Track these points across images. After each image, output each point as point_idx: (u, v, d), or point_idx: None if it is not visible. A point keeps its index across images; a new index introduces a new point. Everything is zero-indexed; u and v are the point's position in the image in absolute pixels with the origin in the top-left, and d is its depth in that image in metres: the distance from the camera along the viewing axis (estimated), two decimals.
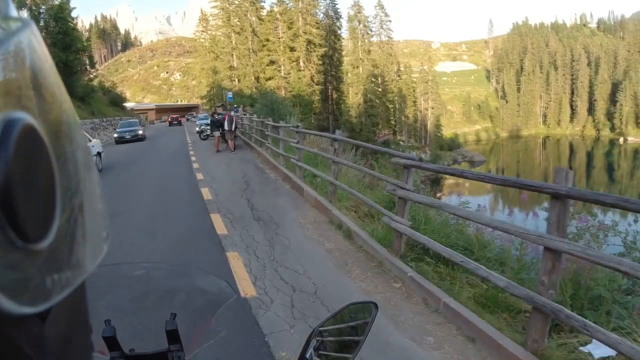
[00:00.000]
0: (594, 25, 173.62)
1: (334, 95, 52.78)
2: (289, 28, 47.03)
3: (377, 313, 0.98)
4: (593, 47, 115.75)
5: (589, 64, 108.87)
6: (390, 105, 61.53)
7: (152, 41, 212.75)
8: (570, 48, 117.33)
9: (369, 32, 55.17)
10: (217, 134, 16.53)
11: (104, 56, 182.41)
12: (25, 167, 0.24)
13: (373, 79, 53.31)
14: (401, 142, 67.25)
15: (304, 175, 9.66)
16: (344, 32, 56.32)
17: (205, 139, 21.96)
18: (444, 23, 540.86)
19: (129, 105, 75.09)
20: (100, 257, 0.32)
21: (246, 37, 49.60)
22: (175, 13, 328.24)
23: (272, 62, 48.04)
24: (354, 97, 54.73)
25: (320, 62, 50.07)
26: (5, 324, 0.23)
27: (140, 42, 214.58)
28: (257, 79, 48.32)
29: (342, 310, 0.97)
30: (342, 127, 41.91)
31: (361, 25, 54.77)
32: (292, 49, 47.16)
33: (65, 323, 0.31)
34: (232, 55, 50.41)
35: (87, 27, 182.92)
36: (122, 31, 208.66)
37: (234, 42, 50.21)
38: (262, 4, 51.46)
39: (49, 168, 0.26)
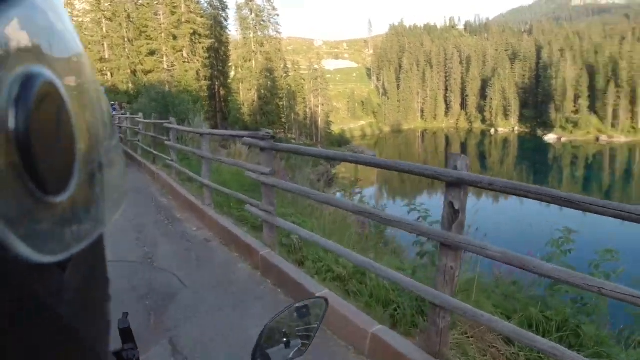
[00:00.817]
0: (461, 27, 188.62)
1: (222, 92, 48.72)
2: (172, 13, 41.93)
3: (327, 308, 1.02)
4: (464, 47, 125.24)
5: (461, 63, 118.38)
6: (280, 103, 58.98)
7: None
8: (443, 48, 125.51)
9: (262, 22, 51.12)
10: None
11: None
12: (45, 121, 0.25)
13: (267, 74, 49.56)
14: (292, 140, 65.26)
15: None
16: (231, 25, 52.58)
17: None
18: (325, 21, 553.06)
19: None
20: (117, 212, 0.33)
21: (120, 24, 43.42)
22: None
23: (152, 53, 42.65)
24: (246, 94, 50.65)
25: (207, 56, 45.74)
26: (25, 272, 0.24)
27: None
28: (134, 72, 42.60)
29: (292, 306, 1.00)
30: (235, 127, 38.61)
31: (253, 15, 50.46)
32: (175, 38, 42.19)
33: (84, 274, 0.32)
34: (103, 44, 44.03)
35: None
36: None
37: (104, 30, 43.79)
38: None
39: (69, 123, 0.27)
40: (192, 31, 43.10)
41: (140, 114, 13.81)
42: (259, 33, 50.77)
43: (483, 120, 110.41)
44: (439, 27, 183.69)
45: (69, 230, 0.27)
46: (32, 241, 0.23)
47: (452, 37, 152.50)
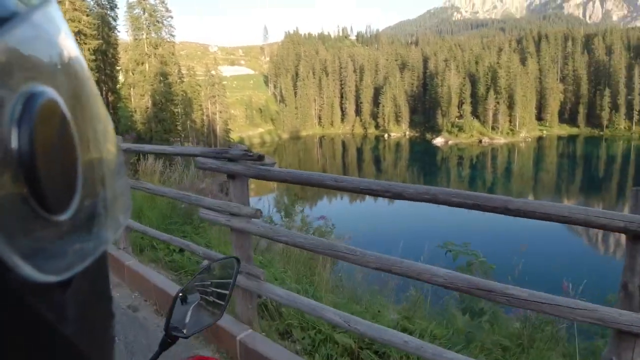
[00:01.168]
0: (354, 37, 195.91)
1: (110, 98, 44.84)
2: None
3: (239, 266, 1.02)
4: (357, 56, 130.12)
5: (354, 71, 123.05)
6: (176, 110, 55.94)
7: None
8: (338, 57, 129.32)
9: (156, 23, 47.56)
10: None
11: None
12: (48, 139, 0.25)
13: (162, 78, 46.11)
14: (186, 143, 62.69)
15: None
16: (120, 26, 48.58)
17: None
18: (220, 27, 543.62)
19: None
20: (120, 229, 0.33)
21: None
22: None
23: None
24: (139, 100, 46.82)
25: (93, 58, 41.85)
26: (28, 291, 0.24)
27: None
28: None
29: (204, 270, 1.01)
30: (125, 136, 35.53)
31: (146, 15, 46.81)
32: None
33: (87, 292, 0.32)
34: None
35: None
36: None
37: None
38: None
39: (71, 141, 0.27)
40: (76, 30, 39.18)
41: None
42: (153, 34, 47.32)
43: (377, 126, 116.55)
44: (332, 36, 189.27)
45: (72, 248, 0.27)
46: (35, 260, 0.23)
47: (345, 47, 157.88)
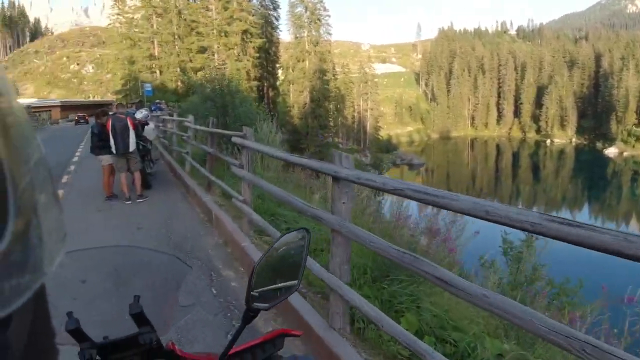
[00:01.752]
0: (513, 32, 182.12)
1: (270, 94, 46.65)
2: (225, 8, 40.07)
3: (309, 238, 1.03)
4: (519, 53, 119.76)
5: (515, 69, 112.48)
6: (329, 106, 56.52)
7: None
8: (496, 53, 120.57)
9: (317, 21, 48.44)
10: (106, 160, 8.07)
11: (9, 47, 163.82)
12: None
13: (320, 75, 46.79)
14: (340, 145, 62.97)
15: None
16: (281, 25, 50.51)
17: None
18: (373, 25, 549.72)
19: (25, 101, 64.63)
20: (58, 258, 0.31)
21: (170, 20, 41.91)
22: (94, 4, 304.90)
23: (203, 50, 40.95)
24: (297, 96, 47.93)
25: (257, 56, 43.74)
26: None
27: (52, 33, 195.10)
28: (184, 70, 40.99)
29: (275, 243, 1.03)
30: (282, 130, 36.21)
31: (308, 13, 47.98)
32: (227, 35, 40.25)
33: (28, 328, 0.30)
34: (153, 41, 42.65)
35: None
36: (32, 20, 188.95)
37: (155, 26, 42.42)
38: None
39: (1, 175, 0.25)
40: (243, 29, 41.17)
41: (190, 117, 10.60)
42: (313, 32, 48.13)
43: (538, 130, 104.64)
44: (490, 31, 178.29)
45: (8, 284, 0.25)
46: None
47: (504, 42, 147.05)
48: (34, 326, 0.31)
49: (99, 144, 7.94)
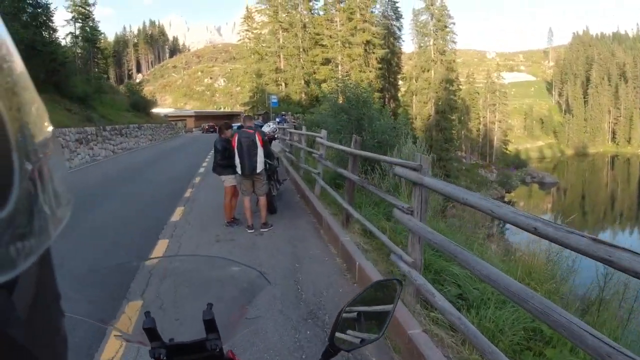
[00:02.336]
0: None
1: (392, 105, 45.31)
2: (349, 19, 39.86)
3: (401, 289, 1.04)
4: None
5: None
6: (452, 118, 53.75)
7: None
8: None
9: (444, 28, 46.06)
10: (229, 180, 7.22)
11: (151, 62, 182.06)
12: None
13: (447, 85, 44.36)
14: (463, 159, 59.49)
15: None
16: (404, 35, 49.06)
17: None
18: (499, 32, 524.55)
19: (164, 111, 70.48)
20: (63, 222, 0.31)
21: (295, 34, 42.70)
22: (226, 24, 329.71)
23: (326, 62, 41.11)
24: (421, 107, 46.13)
25: (380, 66, 42.88)
26: None
27: (189, 50, 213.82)
28: (307, 82, 41.42)
29: (368, 289, 1.04)
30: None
31: (434, 20, 45.90)
32: (351, 45, 39.92)
33: (33, 291, 0.30)
34: (279, 55, 43.79)
35: (136, 32, 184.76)
36: (171, 38, 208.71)
37: (281, 41, 43.54)
38: None
39: (4, 134, 0.25)
40: (366, 40, 40.59)
41: (323, 132, 9.07)
42: (440, 40, 45.88)
43: None
44: (630, 35, 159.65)
45: (13, 247, 0.25)
46: None
47: None
48: (39, 289, 0.31)
49: (222, 162, 7.05)
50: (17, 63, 0.28)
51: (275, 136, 9.67)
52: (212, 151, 7.56)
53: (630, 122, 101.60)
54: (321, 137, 8.94)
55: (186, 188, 10.77)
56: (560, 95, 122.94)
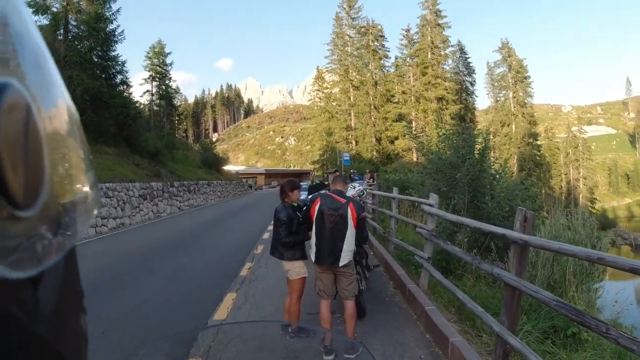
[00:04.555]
0: None
1: (474, 162, 43.06)
2: (423, 74, 39.02)
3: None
4: None
5: None
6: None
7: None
8: None
9: (523, 80, 44.13)
10: (296, 269, 4.60)
11: (227, 122, 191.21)
12: (12, 132, 0.24)
13: (531, 140, 41.76)
14: (546, 219, 55.20)
15: None
16: (478, 90, 47.58)
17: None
18: (573, 84, 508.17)
19: (235, 168, 72.08)
20: (90, 222, 0.32)
21: (366, 92, 42.28)
22: (297, 87, 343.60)
23: (399, 118, 40.16)
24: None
25: (453, 123, 41.36)
26: None
27: (262, 111, 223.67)
28: (379, 140, 40.44)
29: None
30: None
31: (512, 72, 44.14)
32: (426, 100, 38.87)
33: (58, 287, 0.31)
34: (350, 113, 43.45)
35: (214, 95, 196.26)
36: (246, 100, 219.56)
37: (352, 99, 43.31)
38: (387, 51, 43.92)
39: (37, 135, 0.26)
40: (440, 96, 39.47)
41: (433, 198, 6.45)
42: (520, 93, 43.80)
43: None
44: None
45: (41, 244, 0.26)
46: (4, 257, 0.23)
47: None
48: (63, 286, 0.32)
49: (287, 241, 4.58)
50: (49, 60, 0.30)
51: (364, 201, 7.38)
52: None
53: None
54: (431, 204, 6.43)
55: (244, 261, 8.88)
56: None
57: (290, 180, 5.00)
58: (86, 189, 0.32)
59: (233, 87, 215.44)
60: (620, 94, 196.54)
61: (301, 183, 6.47)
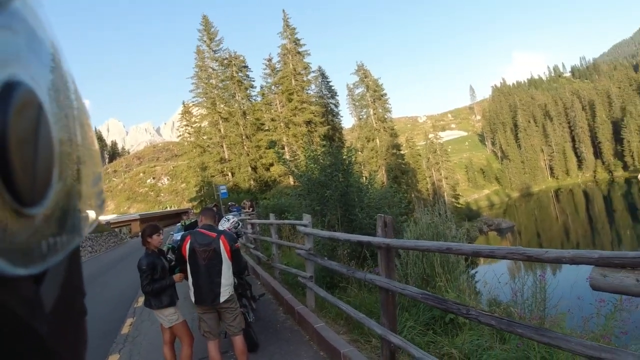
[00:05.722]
0: (568, 74, 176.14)
1: (340, 179, 45.06)
2: (289, 100, 40.19)
3: None
4: (583, 92, 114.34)
5: (583, 108, 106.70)
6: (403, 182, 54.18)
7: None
8: (559, 97, 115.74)
9: (381, 97, 47.72)
10: (167, 316, 4.57)
11: None
12: (23, 131, 0.24)
13: (395, 151, 45.14)
14: (420, 221, 59.51)
15: None
16: (342, 111, 50.42)
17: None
18: (426, 97, 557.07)
19: (106, 218, 67.09)
20: (95, 223, 0.32)
21: (236, 122, 42.30)
22: (164, 124, 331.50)
23: (272, 144, 40.86)
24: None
25: (323, 144, 42.94)
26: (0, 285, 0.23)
27: (129, 153, 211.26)
28: (255, 168, 40.62)
29: None
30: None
31: (370, 92, 47.55)
32: (294, 124, 40.03)
33: (60, 286, 0.30)
34: (222, 145, 43.06)
35: None
36: (109, 143, 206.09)
37: (222, 131, 42.97)
38: (252, 81, 44.60)
39: (48, 134, 0.26)
40: (307, 120, 40.95)
41: (306, 218, 6.69)
42: (380, 109, 47.23)
43: (625, 167, 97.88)
44: (544, 78, 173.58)
45: (45, 242, 0.26)
46: (8, 254, 0.22)
47: (561, 86, 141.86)
48: (66, 285, 0.32)
49: (149, 290, 4.44)
50: (61, 59, 0.30)
51: (240, 232, 7.37)
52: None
53: (564, 156, 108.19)
54: (305, 225, 6.60)
55: (125, 317, 8.34)
56: (493, 144, 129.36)
57: (149, 225, 4.83)
58: (93, 190, 0.32)
59: (94, 129, 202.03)
60: (466, 101, 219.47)
61: (177, 224, 6.38)
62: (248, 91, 44.40)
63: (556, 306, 4.29)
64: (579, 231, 62.21)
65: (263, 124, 42.14)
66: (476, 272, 11.74)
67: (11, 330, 0.24)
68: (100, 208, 0.34)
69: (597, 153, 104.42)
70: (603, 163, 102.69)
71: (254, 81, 44.60)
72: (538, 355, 3.44)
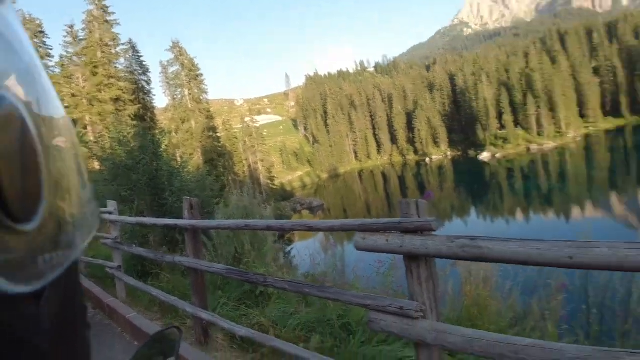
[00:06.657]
0: (372, 69, 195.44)
1: (149, 163, 42.79)
2: (93, 74, 36.37)
3: (182, 335, 1.02)
4: (383, 86, 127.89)
5: (383, 101, 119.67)
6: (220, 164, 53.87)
7: None
8: (363, 89, 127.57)
9: (196, 77, 46.05)
10: None
11: None
12: (8, 147, 0.23)
13: (211, 133, 44.07)
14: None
15: None
16: (155, 89, 47.68)
17: None
18: (243, 81, 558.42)
19: None
20: (90, 237, 0.32)
21: None
22: None
23: (74, 124, 36.78)
24: (188, 159, 44.54)
25: (134, 124, 40.16)
26: None
27: None
28: None
29: (149, 341, 0.99)
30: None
31: (186, 71, 45.50)
32: (100, 102, 36.39)
33: (60, 302, 0.30)
34: None
35: None
36: None
37: None
38: (50, 49, 39.24)
39: (33, 148, 0.25)
40: (116, 97, 37.74)
41: (112, 204, 6.47)
42: (195, 90, 45.69)
43: (415, 152, 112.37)
44: (351, 71, 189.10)
45: (42, 258, 0.25)
46: (4, 271, 0.22)
47: (366, 79, 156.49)
48: (66, 301, 0.32)
49: None
50: (43, 73, 0.30)
51: None
52: None
53: (366, 142, 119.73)
54: (110, 212, 6.30)
55: None
56: (305, 129, 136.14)
57: None
58: (85, 203, 0.32)
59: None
60: (282, 87, 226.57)
61: None
62: (45, 61, 39.06)
63: (353, 270, 4.92)
64: (378, 206, 70.56)
65: (63, 100, 37.59)
66: (292, 249, 12.67)
67: (12, 348, 0.24)
68: (94, 222, 0.33)
69: (394, 139, 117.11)
70: (398, 148, 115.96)
71: (51, 49, 39.35)
72: (334, 312, 3.88)
